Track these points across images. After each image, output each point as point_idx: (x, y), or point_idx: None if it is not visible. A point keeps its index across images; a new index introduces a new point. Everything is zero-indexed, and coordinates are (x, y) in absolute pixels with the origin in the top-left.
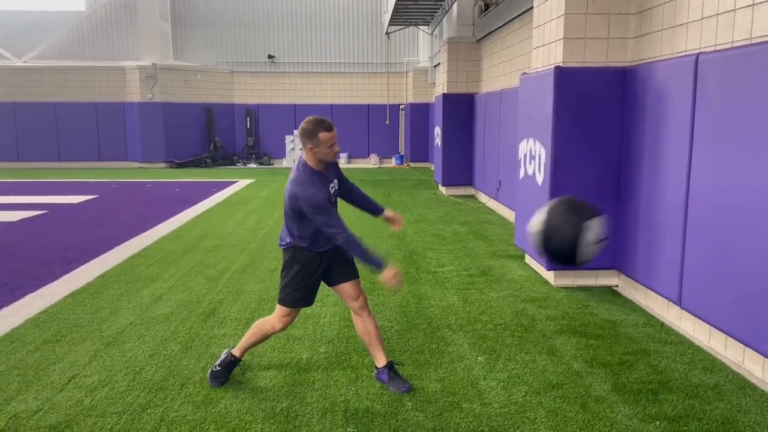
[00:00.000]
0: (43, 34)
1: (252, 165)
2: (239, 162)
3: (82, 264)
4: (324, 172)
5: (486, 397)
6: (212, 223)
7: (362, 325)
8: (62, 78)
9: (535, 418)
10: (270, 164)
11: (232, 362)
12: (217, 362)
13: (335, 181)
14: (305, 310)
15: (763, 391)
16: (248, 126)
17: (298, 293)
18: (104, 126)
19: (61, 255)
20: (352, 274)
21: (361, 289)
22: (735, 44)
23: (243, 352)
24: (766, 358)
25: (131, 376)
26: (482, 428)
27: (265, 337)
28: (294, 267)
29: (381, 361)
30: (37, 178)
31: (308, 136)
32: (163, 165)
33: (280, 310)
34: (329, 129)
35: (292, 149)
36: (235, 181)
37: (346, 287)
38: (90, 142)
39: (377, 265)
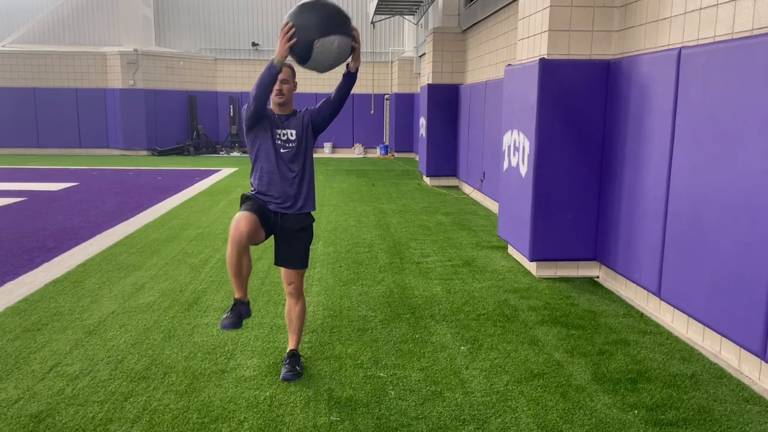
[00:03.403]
0: (22, 17)
1: (235, 153)
2: (222, 150)
3: (63, 252)
4: (280, 115)
5: (468, 386)
6: (195, 211)
7: (289, 308)
8: (42, 63)
9: (517, 407)
10: None
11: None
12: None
13: (293, 132)
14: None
15: (739, 380)
16: (231, 114)
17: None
18: (85, 112)
19: (41, 243)
20: (300, 264)
21: (299, 278)
22: (717, 39)
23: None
24: (742, 349)
25: (113, 365)
26: (464, 417)
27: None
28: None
29: (290, 345)
30: (16, 165)
31: None
32: (145, 152)
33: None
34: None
35: None
36: (219, 170)
37: (289, 273)
38: (70, 129)
39: (272, 66)
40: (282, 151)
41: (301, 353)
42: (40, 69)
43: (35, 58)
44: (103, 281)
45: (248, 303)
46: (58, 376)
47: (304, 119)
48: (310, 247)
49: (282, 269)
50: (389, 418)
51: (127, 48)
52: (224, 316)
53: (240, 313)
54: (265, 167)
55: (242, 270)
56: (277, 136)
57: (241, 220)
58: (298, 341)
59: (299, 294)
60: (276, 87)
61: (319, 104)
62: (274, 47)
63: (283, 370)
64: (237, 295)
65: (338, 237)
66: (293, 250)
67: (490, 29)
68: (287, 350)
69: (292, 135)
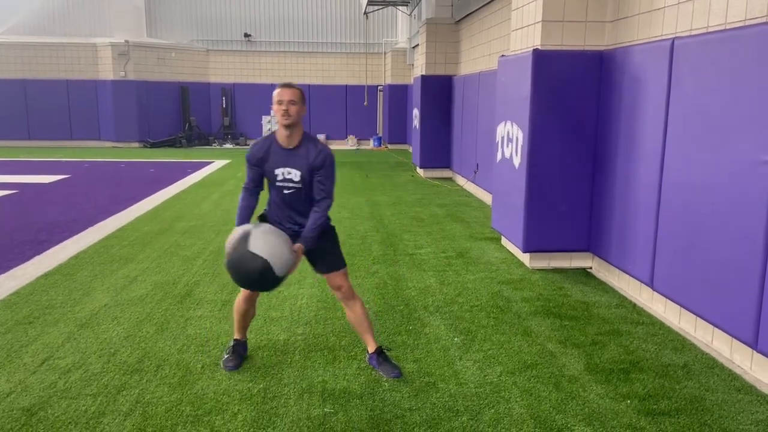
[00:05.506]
0: (11, 8)
1: (228, 145)
2: (215, 142)
3: (55, 245)
4: (290, 150)
5: (462, 377)
6: (188, 204)
7: (350, 313)
8: (32, 54)
9: (510, 398)
10: (246, 144)
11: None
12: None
13: (298, 173)
14: (283, 292)
15: (730, 370)
16: (224, 106)
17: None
18: (76, 104)
19: (32, 236)
20: (334, 266)
21: (344, 279)
22: (710, 29)
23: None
24: (733, 339)
25: (106, 358)
26: (457, 407)
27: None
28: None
29: (371, 347)
30: (7, 157)
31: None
32: (137, 144)
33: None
34: (282, 86)
35: (269, 130)
36: (211, 162)
37: (329, 277)
38: (61, 121)
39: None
40: (285, 192)
41: (298, 346)
42: (30, 60)
43: (25, 50)
44: (95, 274)
45: (246, 342)
46: (50, 370)
47: (316, 169)
48: (339, 247)
49: (326, 278)
50: (383, 410)
51: (118, 39)
52: (225, 357)
53: (240, 353)
54: (275, 199)
55: (248, 315)
56: (278, 175)
57: None
58: (374, 337)
59: (353, 295)
60: (282, 107)
61: (319, 177)
62: (266, 38)
63: (387, 370)
64: (237, 336)
65: None
66: (324, 254)
67: (484, 20)
68: (371, 353)
69: (296, 176)
